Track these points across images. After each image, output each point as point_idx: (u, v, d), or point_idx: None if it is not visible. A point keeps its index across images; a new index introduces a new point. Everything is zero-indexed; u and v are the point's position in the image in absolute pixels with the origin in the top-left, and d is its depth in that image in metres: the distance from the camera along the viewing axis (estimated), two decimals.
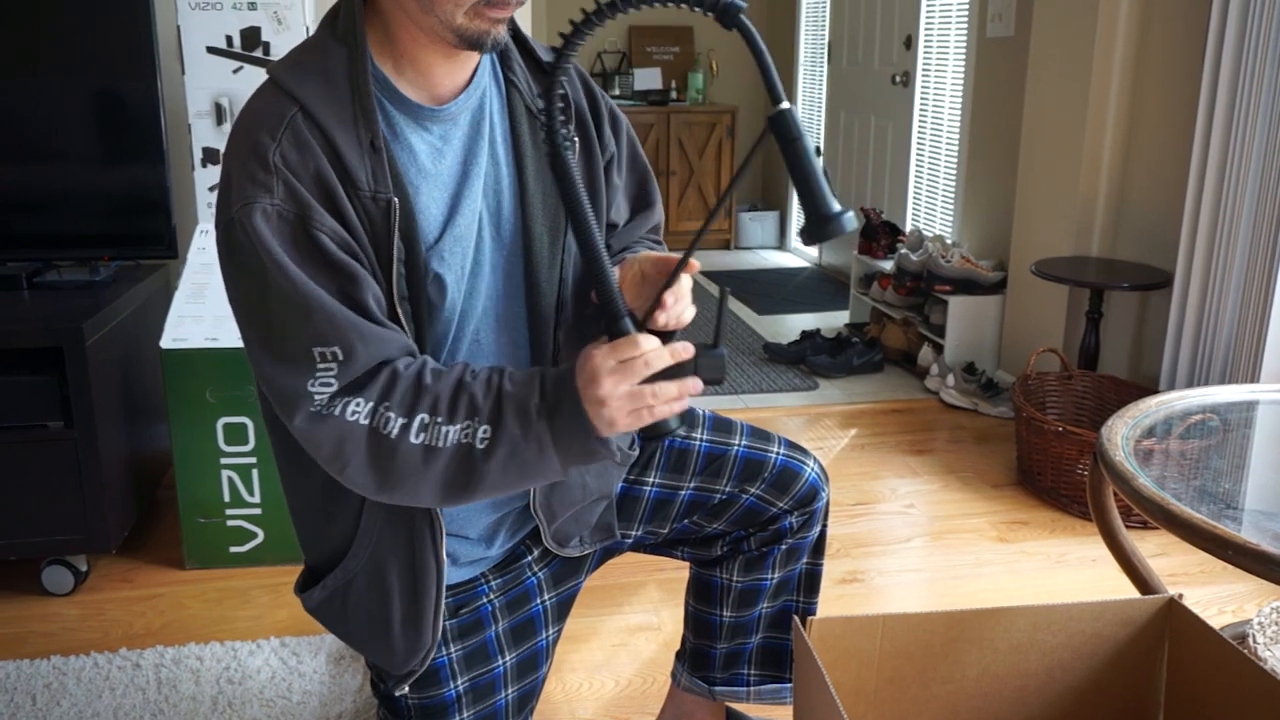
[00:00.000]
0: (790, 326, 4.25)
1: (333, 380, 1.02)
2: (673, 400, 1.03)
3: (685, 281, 1.11)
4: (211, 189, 2.35)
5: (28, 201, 2.31)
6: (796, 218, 5.90)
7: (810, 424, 3.18)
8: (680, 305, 1.10)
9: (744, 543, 1.45)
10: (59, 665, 1.85)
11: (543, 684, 1.43)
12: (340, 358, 1.02)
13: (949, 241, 3.81)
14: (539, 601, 1.36)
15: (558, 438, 1.03)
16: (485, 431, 1.03)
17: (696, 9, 0.98)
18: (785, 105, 0.97)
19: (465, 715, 1.33)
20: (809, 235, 0.99)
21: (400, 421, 1.03)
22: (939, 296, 3.53)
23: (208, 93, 2.32)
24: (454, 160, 1.15)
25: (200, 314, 2.16)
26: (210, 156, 2.35)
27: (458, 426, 1.03)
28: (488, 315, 1.20)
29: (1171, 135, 2.80)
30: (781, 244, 6.00)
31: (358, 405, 1.03)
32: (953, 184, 4.02)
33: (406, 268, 1.10)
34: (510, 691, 1.37)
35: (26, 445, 2.03)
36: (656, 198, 1.37)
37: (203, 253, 2.30)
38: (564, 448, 1.04)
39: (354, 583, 1.24)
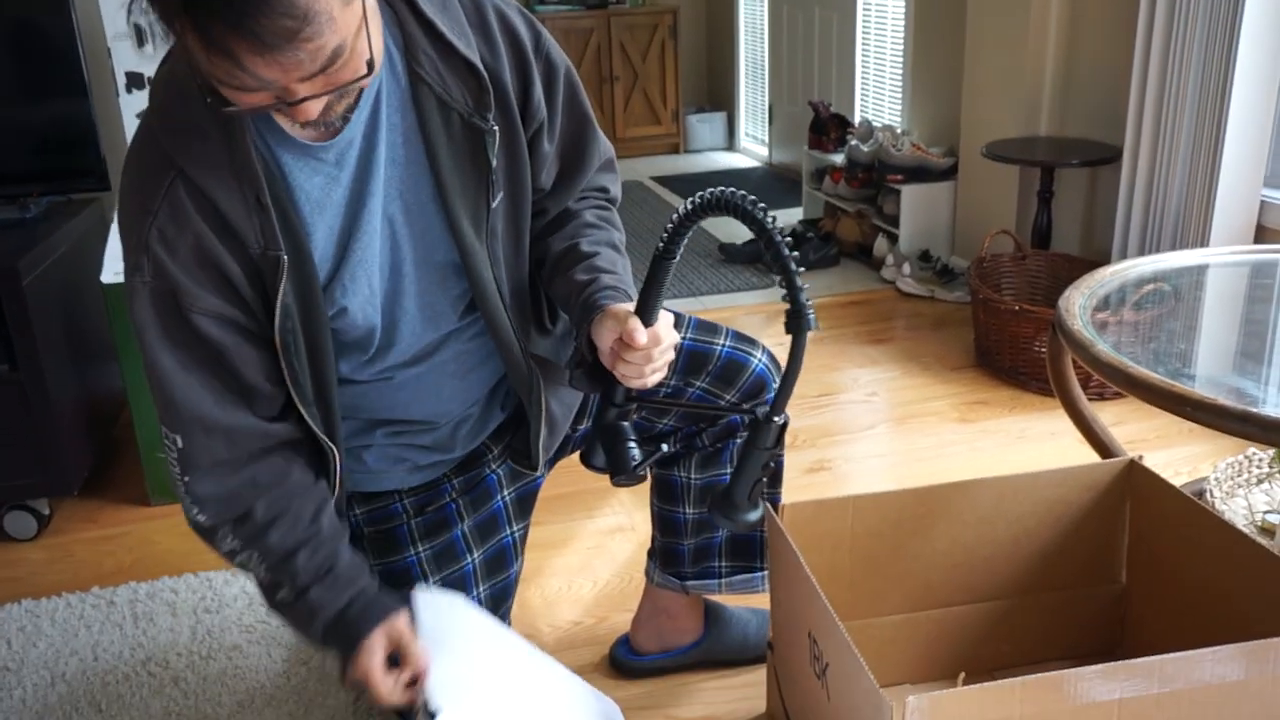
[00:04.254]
0: (744, 227, 4.22)
1: (175, 461, 1.10)
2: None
3: (657, 351, 1.10)
4: (138, 115, 2.26)
5: None
6: (745, 118, 5.83)
7: (769, 321, 3.18)
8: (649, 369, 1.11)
9: (696, 439, 1.44)
10: (31, 609, 1.83)
11: (515, 586, 1.45)
12: (180, 445, 1.09)
13: (899, 130, 3.78)
14: (500, 497, 1.37)
15: (326, 644, 1.21)
16: (287, 595, 1.17)
17: (791, 301, 1.01)
18: (779, 420, 1.08)
19: None
20: (716, 509, 1.14)
21: (233, 545, 1.15)
22: (891, 186, 3.52)
23: (125, 13, 2.21)
24: (348, 181, 1.10)
25: None
26: (135, 81, 2.25)
27: (270, 577, 1.17)
28: (424, 312, 1.19)
29: (1116, 6, 2.78)
30: (731, 145, 5.93)
31: (199, 514, 1.13)
32: (900, 72, 3.97)
33: (304, 314, 1.09)
34: (482, 590, 1.38)
35: None
36: (595, 147, 1.28)
37: None
38: (328, 647, 1.21)
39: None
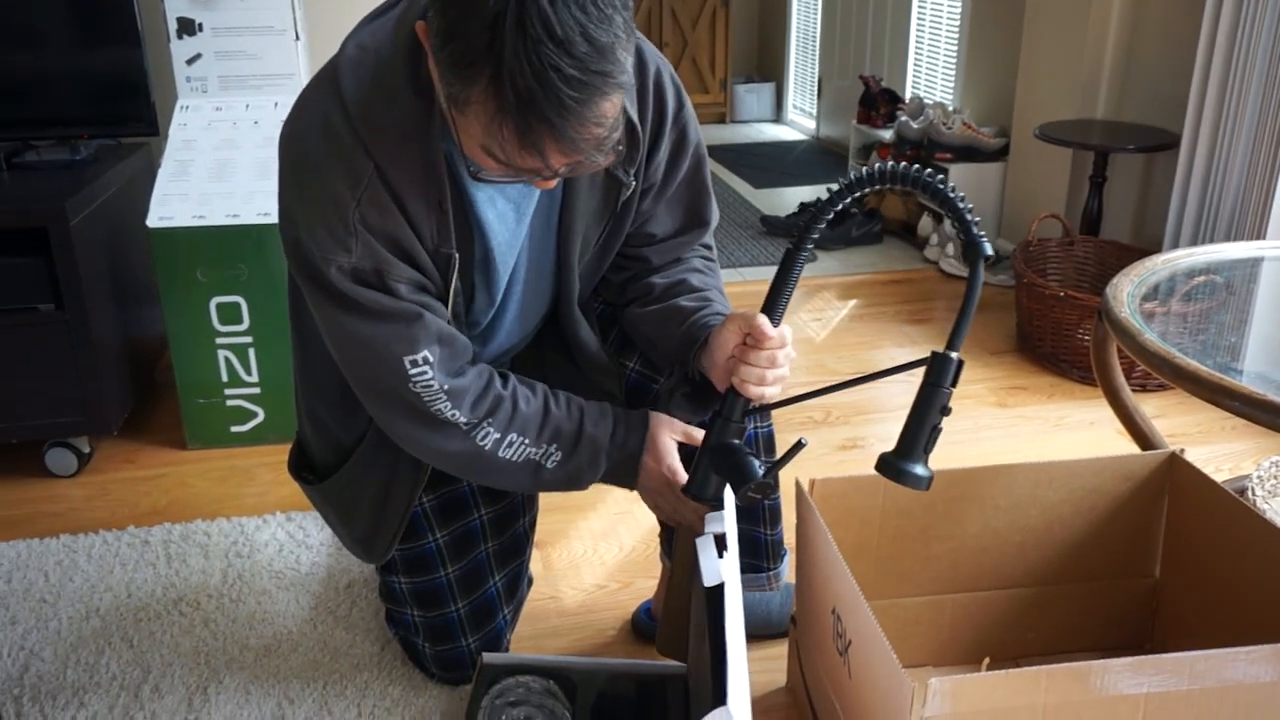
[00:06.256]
0: (788, 199, 4.19)
1: (431, 379, 1.13)
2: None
3: (782, 354, 1.14)
4: (189, 61, 2.27)
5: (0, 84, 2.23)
6: (794, 90, 5.76)
7: (809, 296, 3.15)
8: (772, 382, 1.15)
9: None
10: (68, 544, 1.87)
11: (525, 541, 1.48)
12: (431, 360, 1.12)
13: (950, 108, 3.72)
14: None
15: (606, 477, 1.25)
16: (557, 455, 1.22)
17: (963, 235, 1.02)
18: (955, 356, 1.02)
19: (450, 569, 1.39)
20: (883, 466, 1.05)
21: (495, 437, 1.18)
22: (940, 165, 3.47)
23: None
24: (510, 202, 1.16)
25: (186, 191, 2.11)
26: (185, 27, 2.25)
27: (538, 449, 1.21)
28: (515, 326, 1.30)
29: None
30: (778, 117, 5.87)
31: (460, 415, 1.17)
32: (954, 48, 3.90)
33: (467, 297, 1.20)
34: (490, 545, 1.42)
35: (19, 328, 2.00)
36: (709, 217, 1.33)
37: (184, 129, 2.23)
38: (606, 480, 1.25)
39: (331, 487, 1.37)
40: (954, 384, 1.04)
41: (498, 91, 0.86)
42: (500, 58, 0.85)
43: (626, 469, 1.24)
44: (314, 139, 1.07)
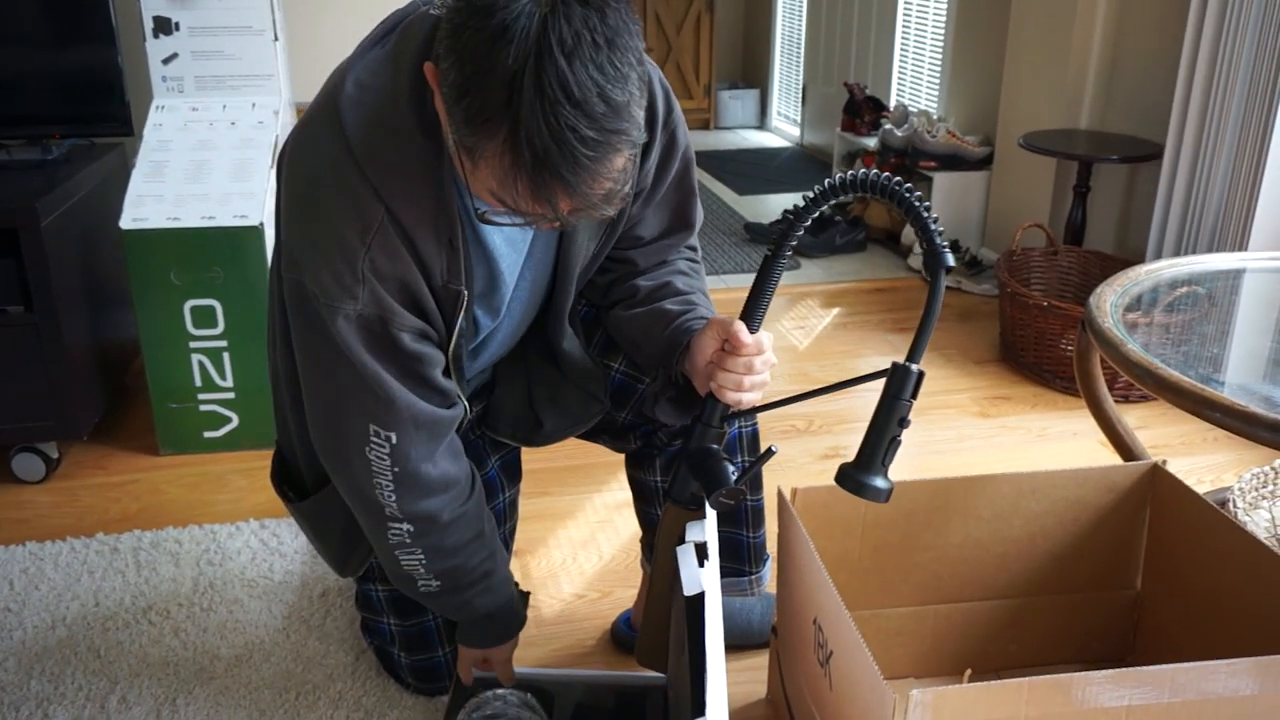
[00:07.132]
0: (772, 206, 4.18)
1: (385, 455, 1.14)
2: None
3: (759, 361, 1.13)
4: (165, 61, 2.24)
5: None
6: (778, 96, 5.76)
7: (792, 304, 3.14)
8: (750, 390, 1.15)
9: (654, 437, 1.41)
10: (35, 551, 1.83)
11: (504, 549, 1.47)
12: (394, 441, 1.13)
13: (935, 116, 3.72)
14: (491, 465, 1.41)
15: (457, 628, 1.37)
16: (434, 587, 1.27)
17: (926, 245, 1.00)
18: (915, 368, 1.03)
19: None
20: (842, 478, 1.06)
21: (402, 541, 1.21)
22: (924, 173, 3.47)
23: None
24: (523, 240, 1.18)
25: (160, 193, 2.08)
26: (161, 26, 2.22)
27: (425, 573, 1.25)
28: (509, 338, 1.31)
29: (1166, 1, 2.71)
30: (762, 123, 5.87)
31: (395, 499, 1.18)
32: (939, 56, 3.90)
33: (469, 330, 1.19)
34: None
35: None
36: (694, 219, 1.34)
37: (159, 129, 2.20)
38: (457, 627, 1.38)
39: (310, 507, 1.36)
40: (914, 396, 1.04)
41: (513, 148, 0.86)
42: (518, 116, 0.85)
43: (470, 639, 1.36)
44: (321, 183, 1.05)
